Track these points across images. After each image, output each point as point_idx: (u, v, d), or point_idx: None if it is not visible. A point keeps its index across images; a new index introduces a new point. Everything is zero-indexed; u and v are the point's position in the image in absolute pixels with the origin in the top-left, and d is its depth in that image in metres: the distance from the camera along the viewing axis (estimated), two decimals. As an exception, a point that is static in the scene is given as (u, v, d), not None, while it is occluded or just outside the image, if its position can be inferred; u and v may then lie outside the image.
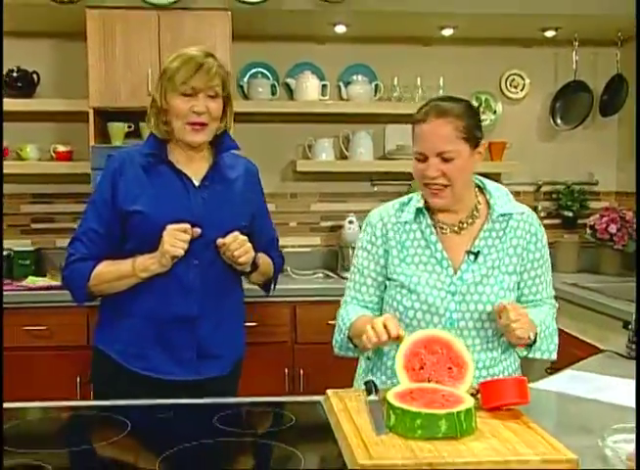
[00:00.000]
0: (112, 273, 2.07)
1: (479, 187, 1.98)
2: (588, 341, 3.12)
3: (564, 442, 1.34)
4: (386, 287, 1.97)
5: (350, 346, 1.92)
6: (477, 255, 1.89)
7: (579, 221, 4.15)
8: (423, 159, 1.84)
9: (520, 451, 1.30)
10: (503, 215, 1.92)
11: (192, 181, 2.11)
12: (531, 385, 1.80)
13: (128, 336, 2.09)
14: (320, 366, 3.13)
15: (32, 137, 3.77)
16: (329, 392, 1.65)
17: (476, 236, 1.91)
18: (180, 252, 2.00)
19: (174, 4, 3.39)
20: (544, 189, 4.21)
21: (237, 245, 2.05)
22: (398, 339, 1.64)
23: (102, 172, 2.15)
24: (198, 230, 2.03)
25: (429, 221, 1.92)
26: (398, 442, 1.34)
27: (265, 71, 3.98)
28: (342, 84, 3.97)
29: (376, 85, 3.95)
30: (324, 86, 3.90)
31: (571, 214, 4.15)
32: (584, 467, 1.27)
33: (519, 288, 1.95)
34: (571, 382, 1.86)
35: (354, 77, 3.96)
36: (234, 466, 1.36)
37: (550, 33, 3.90)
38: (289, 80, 3.94)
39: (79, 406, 1.67)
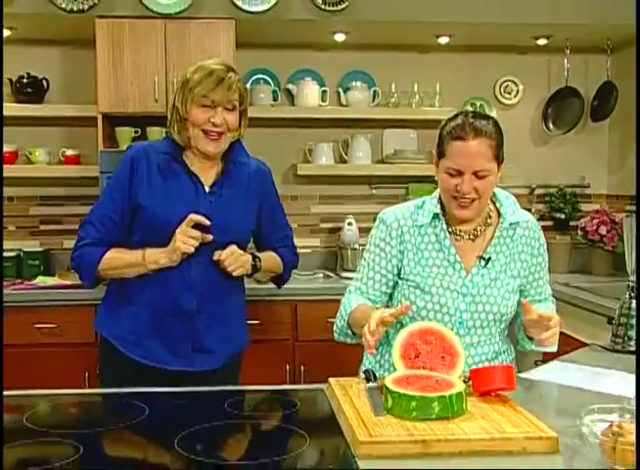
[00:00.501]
0: (121, 260, 2.16)
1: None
2: (578, 337, 3.23)
3: (546, 423, 1.46)
4: (395, 284, 2.05)
5: (349, 332, 1.99)
6: (488, 260, 1.99)
7: (571, 223, 4.24)
8: (456, 174, 1.89)
9: (505, 430, 1.43)
10: (511, 224, 2.02)
11: (203, 185, 2.19)
12: (520, 375, 1.93)
13: (128, 323, 2.19)
14: (320, 363, 3.24)
15: (42, 141, 3.88)
16: (331, 380, 1.78)
17: (488, 243, 2.01)
18: (191, 249, 2.09)
19: (180, 13, 3.51)
20: (537, 192, 4.31)
21: (232, 260, 2.16)
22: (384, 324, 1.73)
23: (121, 160, 2.22)
24: (209, 236, 2.13)
25: (444, 226, 2.00)
26: (395, 422, 1.46)
27: (267, 78, 4.08)
28: (341, 90, 4.07)
29: (374, 91, 4.04)
30: (324, 92, 3.99)
31: (563, 217, 4.25)
32: (563, 443, 1.40)
33: (525, 289, 2.07)
34: (558, 372, 1.98)
35: (353, 84, 4.04)
36: (245, 445, 1.48)
37: (542, 41, 4.00)
38: (290, 86, 4.04)
39: (98, 393, 1.79)
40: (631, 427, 1.29)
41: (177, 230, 2.10)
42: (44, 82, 3.80)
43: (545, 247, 2.12)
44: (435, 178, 2.00)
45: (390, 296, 2.09)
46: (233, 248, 2.17)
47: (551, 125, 4.23)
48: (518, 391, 1.67)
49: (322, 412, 1.64)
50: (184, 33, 3.55)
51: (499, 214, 2.04)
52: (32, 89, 3.79)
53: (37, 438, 1.46)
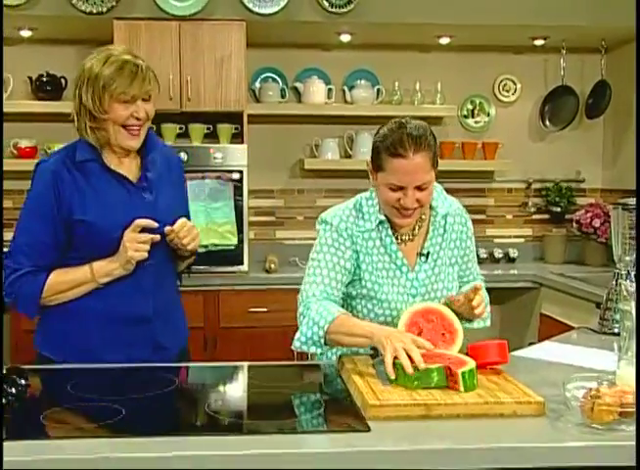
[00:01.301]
0: (67, 283, 2.02)
1: None
2: (572, 324, 3.40)
3: (535, 391, 1.64)
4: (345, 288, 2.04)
5: (321, 341, 1.89)
6: (427, 255, 2.05)
7: (567, 216, 4.42)
8: (397, 189, 1.90)
9: (498, 396, 1.61)
10: (443, 216, 2.07)
11: (131, 182, 2.08)
12: (514, 353, 2.11)
13: (80, 340, 2.04)
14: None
15: (60, 137, 3.99)
16: (342, 356, 1.96)
17: (424, 238, 2.06)
18: (145, 255, 2.00)
19: (194, 15, 3.68)
20: (534, 186, 4.48)
21: (186, 232, 2.05)
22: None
23: (36, 183, 2.05)
24: (157, 237, 2.02)
25: (389, 232, 2.02)
26: (400, 390, 1.65)
27: (275, 76, 4.24)
28: (346, 88, 4.23)
29: (378, 89, 4.21)
30: (330, 90, 4.15)
31: (558, 210, 4.42)
32: (549, 408, 1.58)
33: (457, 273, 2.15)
34: (548, 350, 2.16)
35: (358, 82, 4.20)
36: (265, 408, 1.66)
37: (539, 42, 4.17)
38: (297, 84, 4.20)
39: (129, 367, 1.96)
40: (607, 391, 1.48)
41: (125, 238, 1.98)
42: (62, 80, 3.97)
43: (472, 230, 2.17)
44: (373, 185, 2.01)
45: (343, 306, 2.05)
46: (184, 220, 2.07)
47: (547, 122, 4.39)
48: (510, 365, 1.85)
49: (334, 383, 1.83)
50: (197, 34, 3.72)
51: (431, 207, 2.06)
52: (51, 87, 3.96)
53: (83, 403, 1.64)
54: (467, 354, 1.82)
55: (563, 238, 4.38)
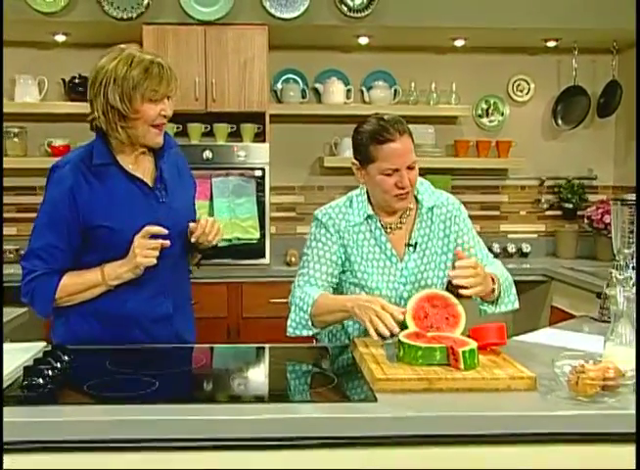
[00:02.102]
0: (79, 285, 2.09)
1: None
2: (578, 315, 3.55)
3: (530, 370, 1.80)
4: (338, 279, 2.21)
5: (309, 324, 2.09)
6: (415, 246, 2.21)
7: (579, 213, 4.54)
8: (392, 172, 2.09)
9: (494, 372, 1.77)
10: (429, 208, 2.23)
11: (146, 184, 2.14)
12: (516, 337, 2.27)
13: (102, 341, 2.10)
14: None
15: (91, 136, 4.21)
16: (354, 339, 2.13)
17: (411, 229, 2.22)
18: (154, 261, 2.04)
19: (219, 20, 3.87)
20: (547, 183, 4.61)
21: (210, 228, 2.13)
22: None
23: (51, 189, 2.09)
24: (167, 242, 2.06)
25: (378, 224, 2.20)
26: (406, 366, 1.81)
27: (296, 77, 4.42)
28: (364, 89, 4.40)
29: (395, 90, 4.36)
30: (348, 91, 4.32)
31: (571, 206, 4.55)
32: (541, 384, 1.73)
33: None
34: (547, 335, 2.31)
35: (376, 83, 4.36)
36: (283, 382, 1.85)
37: (552, 43, 4.30)
38: (317, 85, 4.37)
39: (160, 347, 2.15)
40: (591, 367, 1.64)
41: (134, 244, 2.04)
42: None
43: (465, 216, 2.28)
44: (362, 182, 2.19)
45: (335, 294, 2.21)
46: (207, 218, 2.16)
47: (560, 121, 4.52)
48: (509, 347, 2.00)
49: (347, 362, 2.00)
50: (222, 38, 3.91)
51: (417, 201, 2.23)
52: (83, 88, 4.11)
53: (121, 376, 1.84)
54: (469, 337, 1.99)
55: (575, 234, 4.50)
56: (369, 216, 2.20)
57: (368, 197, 2.23)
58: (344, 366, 1.99)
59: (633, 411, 1.56)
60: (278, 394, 1.71)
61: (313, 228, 2.25)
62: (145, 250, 2.03)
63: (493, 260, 2.34)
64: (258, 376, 1.96)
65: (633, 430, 1.53)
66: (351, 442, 1.55)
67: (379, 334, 1.92)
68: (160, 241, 2.05)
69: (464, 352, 1.81)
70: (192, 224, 2.15)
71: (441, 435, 1.56)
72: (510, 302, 2.25)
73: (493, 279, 2.13)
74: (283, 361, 1.99)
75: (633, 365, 1.66)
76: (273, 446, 1.54)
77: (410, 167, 2.11)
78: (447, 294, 2.10)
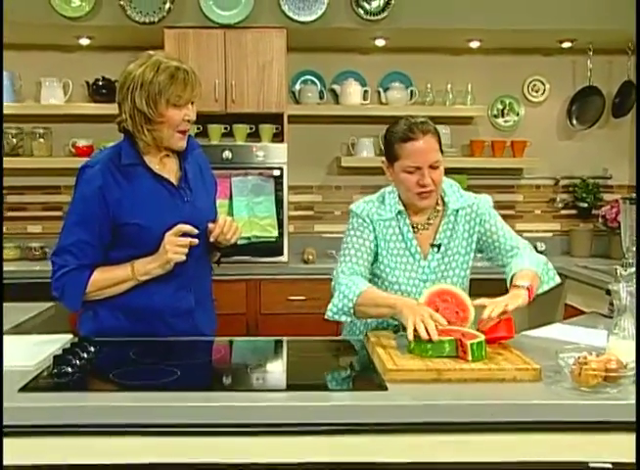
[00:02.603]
0: (109, 280, 2.17)
1: None
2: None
3: (536, 362, 1.87)
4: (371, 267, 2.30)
5: (351, 312, 2.15)
6: (439, 247, 2.29)
7: (593, 212, 4.57)
8: (414, 170, 2.18)
9: (501, 363, 1.84)
10: (454, 210, 2.31)
11: (172, 184, 2.22)
12: (525, 332, 2.33)
13: (126, 334, 2.18)
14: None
15: (114, 136, 4.28)
16: (368, 332, 2.21)
17: (437, 230, 2.30)
18: (183, 258, 2.14)
19: (238, 24, 3.95)
20: (562, 183, 4.65)
21: (228, 227, 2.22)
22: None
23: (81, 188, 2.15)
24: (195, 241, 2.16)
25: (407, 221, 2.29)
26: (416, 358, 1.89)
27: (314, 79, 4.49)
28: (381, 90, 4.47)
29: (411, 91, 4.42)
30: (365, 92, 4.38)
31: (585, 205, 4.58)
32: (545, 375, 1.80)
33: (491, 254, 2.34)
34: (556, 331, 2.37)
35: (392, 84, 4.42)
36: (300, 371, 1.92)
37: (567, 44, 4.34)
38: (335, 86, 4.44)
39: (182, 340, 2.24)
40: (594, 358, 1.70)
41: (165, 241, 2.12)
42: (117, 85, 4.26)
43: (492, 213, 2.34)
44: (390, 179, 2.27)
45: None
46: (224, 217, 2.24)
47: (575, 121, 4.56)
48: (517, 341, 2.08)
49: (360, 354, 2.08)
50: (241, 41, 4.00)
51: (444, 203, 2.32)
52: (106, 90, 4.26)
53: (144, 365, 1.93)
54: (477, 330, 2.06)
55: (589, 233, 4.54)
56: (399, 212, 2.29)
57: (399, 194, 2.31)
58: (358, 357, 2.07)
59: (633, 401, 1.63)
60: (294, 383, 1.79)
61: (351, 219, 2.34)
62: (175, 247, 2.12)
63: (525, 246, 2.34)
64: (275, 366, 2.04)
65: (633, 419, 1.60)
66: (363, 428, 1.63)
67: (415, 336, 1.94)
68: (190, 239, 2.14)
69: (472, 345, 1.88)
70: (211, 225, 2.23)
71: (449, 422, 1.64)
72: (550, 279, 2.31)
73: (528, 287, 2.13)
74: (299, 353, 2.08)
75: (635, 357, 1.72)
76: (288, 432, 1.62)
77: (433, 167, 2.18)
78: (457, 289, 2.17)
